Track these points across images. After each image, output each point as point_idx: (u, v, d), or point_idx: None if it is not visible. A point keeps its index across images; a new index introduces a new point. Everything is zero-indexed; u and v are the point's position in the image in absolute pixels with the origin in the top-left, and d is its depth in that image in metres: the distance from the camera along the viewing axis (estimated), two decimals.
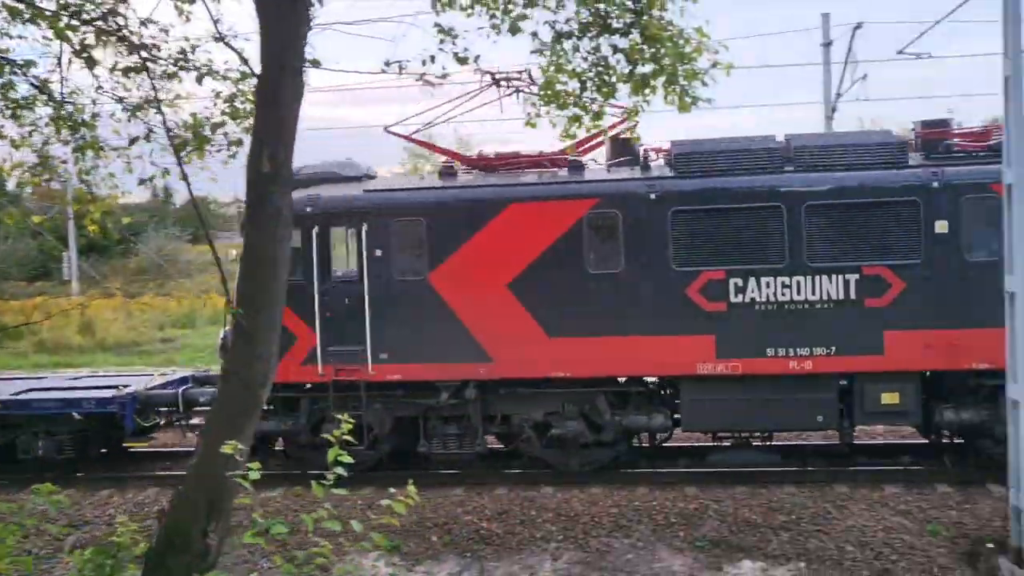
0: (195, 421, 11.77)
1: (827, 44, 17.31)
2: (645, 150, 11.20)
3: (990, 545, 8.59)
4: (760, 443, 11.14)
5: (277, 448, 11.84)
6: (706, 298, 10.37)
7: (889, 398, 10.37)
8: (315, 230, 10.78)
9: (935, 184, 10.18)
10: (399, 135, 12.09)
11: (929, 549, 8.68)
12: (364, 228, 10.73)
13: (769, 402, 10.17)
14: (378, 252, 10.73)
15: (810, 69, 17.74)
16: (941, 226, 10.20)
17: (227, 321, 11.33)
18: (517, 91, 10.53)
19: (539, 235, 10.58)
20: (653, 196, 10.46)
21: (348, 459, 4.99)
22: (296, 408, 11.14)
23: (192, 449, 12.75)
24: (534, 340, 10.52)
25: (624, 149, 11.24)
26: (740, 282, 10.29)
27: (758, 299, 10.27)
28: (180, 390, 11.74)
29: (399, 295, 10.70)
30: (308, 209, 10.74)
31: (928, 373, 10.38)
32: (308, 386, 11.14)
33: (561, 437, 10.84)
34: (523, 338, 10.53)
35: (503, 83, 10.88)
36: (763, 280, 10.25)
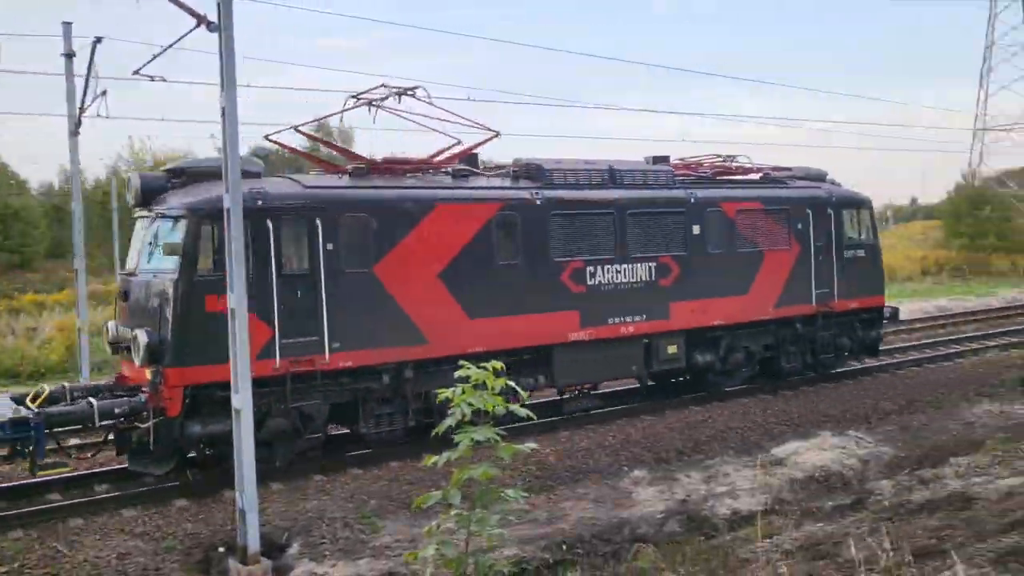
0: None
1: (69, 55, 16.39)
2: (513, 165, 13.34)
3: (222, 549, 9.05)
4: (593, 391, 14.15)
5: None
6: (573, 282, 13.00)
7: (671, 350, 14.05)
8: (269, 224, 10.56)
9: (692, 200, 14.32)
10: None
11: (164, 566, 8.74)
12: (318, 223, 10.88)
13: (608, 358, 13.40)
14: (329, 246, 10.97)
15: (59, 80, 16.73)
16: (696, 230, 14.28)
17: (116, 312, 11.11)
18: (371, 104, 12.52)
19: (461, 232, 12.03)
20: (539, 201, 12.73)
21: None
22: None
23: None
24: (458, 322, 11.90)
25: (470, 162, 13.31)
26: (592, 269, 13.17)
27: (603, 282, 13.26)
28: (95, 402, 10.01)
29: (348, 286, 11.08)
30: (259, 203, 10.52)
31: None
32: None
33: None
34: (450, 321, 11.81)
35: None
36: (605, 267, 13.29)
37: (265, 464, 10.45)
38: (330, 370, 10.95)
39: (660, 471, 11.58)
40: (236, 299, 8.58)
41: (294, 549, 9.21)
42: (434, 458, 4.81)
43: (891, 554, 7.48)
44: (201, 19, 8.67)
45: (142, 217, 11.28)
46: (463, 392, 4.78)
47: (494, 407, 4.75)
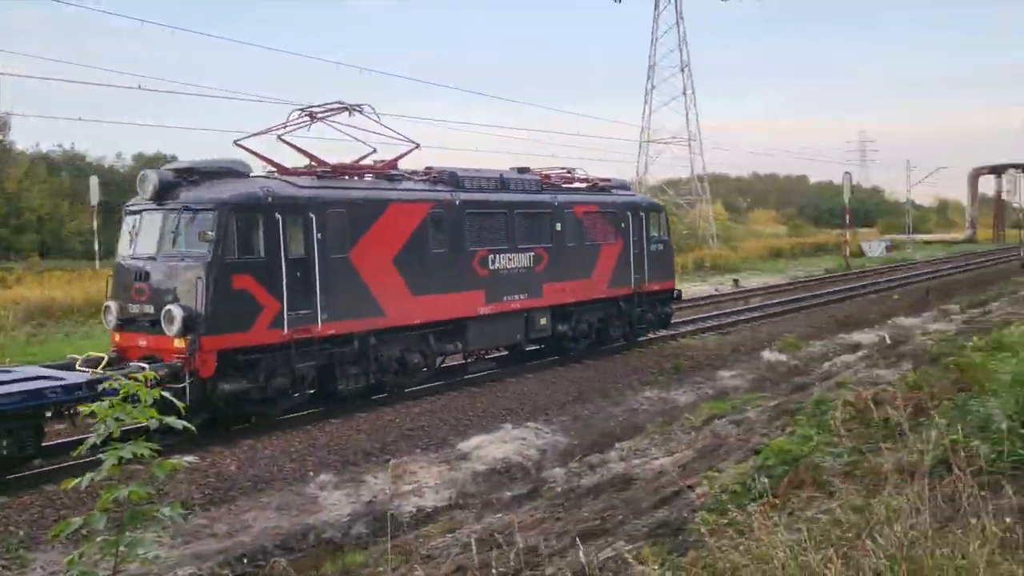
0: None
1: None
2: (433, 172, 15.85)
3: None
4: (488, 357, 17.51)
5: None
6: (480, 267, 15.75)
7: (543, 322, 17.35)
8: (277, 217, 12.51)
9: (556, 203, 17.79)
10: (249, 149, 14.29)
11: None
12: (312, 217, 12.98)
13: (502, 328, 16.47)
14: (319, 236, 13.03)
15: None
16: (558, 227, 17.63)
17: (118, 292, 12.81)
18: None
19: (407, 225, 14.47)
20: (457, 202, 15.32)
21: None
22: (254, 368, 12.37)
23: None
24: (406, 298, 14.33)
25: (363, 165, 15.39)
26: (493, 257, 16.00)
27: (500, 267, 16.15)
28: (147, 366, 11.09)
29: (333, 268, 13.23)
30: (270, 200, 12.55)
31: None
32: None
33: (414, 365, 14.77)
34: (401, 297, 14.25)
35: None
36: (501, 255, 16.15)
37: (266, 416, 13.07)
38: (320, 337, 13.13)
39: (347, 474, 11.48)
40: None
41: None
42: (74, 480, 4.32)
43: (558, 538, 7.96)
44: None
45: (153, 210, 12.66)
46: (111, 406, 4.34)
47: (148, 420, 4.36)
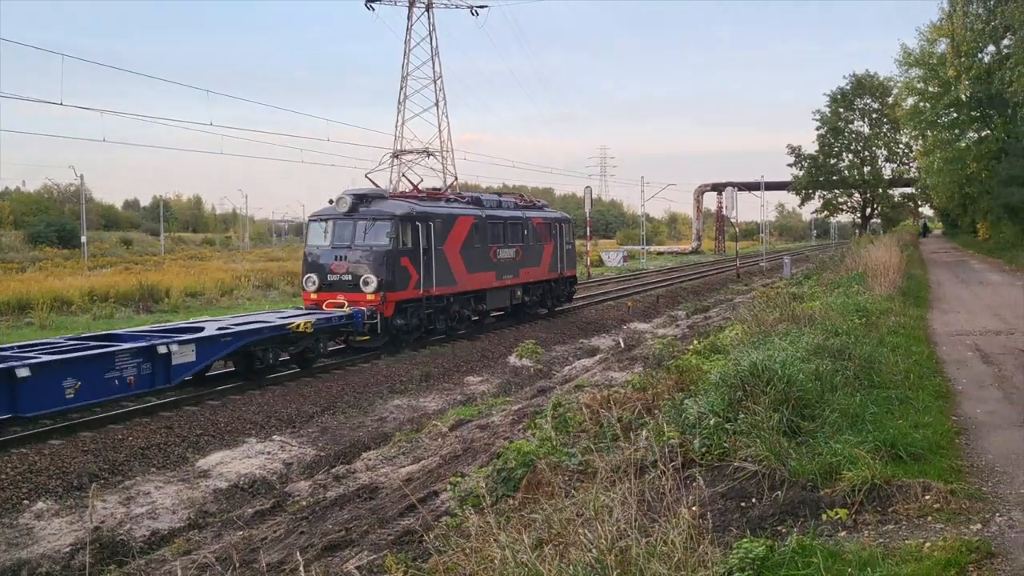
0: None
1: None
2: (467, 197, 25.78)
3: None
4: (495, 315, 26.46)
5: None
6: (493, 257, 24.35)
7: (519, 294, 26.18)
8: (418, 224, 20.75)
9: (524, 217, 26.72)
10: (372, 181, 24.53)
11: None
12: (431, 224, 21.20)
13: (502, 296, 25.30)
14: (432, 236, 21.14)
15: None
16: (525, 232, 26.38)
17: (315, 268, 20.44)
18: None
19: (464, 230, 22.93)
20: (484, 216, 24.21)
21: None
22: (407, 312, 20.51)
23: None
24: (465, 275, 22.79)
25: (434, 192, 25.35)
26: (498, 251, 24.60)
27: (502, 258, 24.75)
28: (366, 309, 19.27)
29: (437, 255, 21.36)
30: (414, 213, 20.85)
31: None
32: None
33: (467, 317, 23.43)
34: (463, 274, 22.68)
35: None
36: (501, 249, 24.80)
37: (403, 344, 20.63)
38: (433, 296, 21.22)
39: (71, 500, 10.61)
40: None
41: None
42: None
43: (303, 552, 7.81)
44: None
45: (345, 218, 20.48)
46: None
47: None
